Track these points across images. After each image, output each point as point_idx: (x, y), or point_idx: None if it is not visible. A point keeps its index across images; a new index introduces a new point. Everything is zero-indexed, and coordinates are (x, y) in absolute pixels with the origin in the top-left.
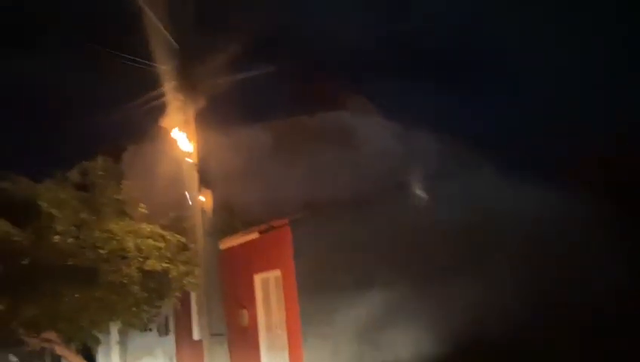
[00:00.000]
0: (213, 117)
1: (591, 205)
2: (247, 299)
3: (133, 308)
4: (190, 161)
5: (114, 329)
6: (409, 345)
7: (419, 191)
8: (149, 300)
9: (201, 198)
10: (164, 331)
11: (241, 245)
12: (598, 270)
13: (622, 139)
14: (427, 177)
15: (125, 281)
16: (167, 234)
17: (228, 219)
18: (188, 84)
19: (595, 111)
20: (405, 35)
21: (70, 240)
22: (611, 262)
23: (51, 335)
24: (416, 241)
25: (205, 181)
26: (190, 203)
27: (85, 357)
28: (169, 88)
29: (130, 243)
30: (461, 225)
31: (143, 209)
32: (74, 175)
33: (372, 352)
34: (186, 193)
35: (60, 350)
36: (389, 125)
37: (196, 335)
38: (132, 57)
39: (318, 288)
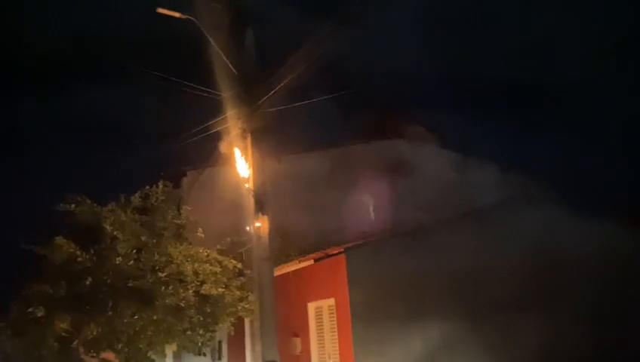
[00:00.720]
0: (270, 144)
1: None
2: (300, 327)
3: (189, 332)
4: (247, 186)
5: (169, 352)
6: None
7: (478, 224)
8: (204, 324)
9: (257, 224)
10: (217, 356)
11: (296, 272)
12: None
13: None
14: (486, 210)
15: (182, 304)
16: (224, 259)
17: (282, 245)
18: (247, 111)
19: None
20: (467, 67)
21: (131, 262)
22: None
23: (110, 355)
24: (473, 274)
25: (261, 207)
26: (247, 229)
27: None
28: (229, 115)
29: (188, 268)
30: (521, 260)
31: (200, 234)
32: (136, 199)
33: None
34: (243, 219)
35: None
36: (448, 155)
37: None
38: (194, 85)
39: (373, 318)
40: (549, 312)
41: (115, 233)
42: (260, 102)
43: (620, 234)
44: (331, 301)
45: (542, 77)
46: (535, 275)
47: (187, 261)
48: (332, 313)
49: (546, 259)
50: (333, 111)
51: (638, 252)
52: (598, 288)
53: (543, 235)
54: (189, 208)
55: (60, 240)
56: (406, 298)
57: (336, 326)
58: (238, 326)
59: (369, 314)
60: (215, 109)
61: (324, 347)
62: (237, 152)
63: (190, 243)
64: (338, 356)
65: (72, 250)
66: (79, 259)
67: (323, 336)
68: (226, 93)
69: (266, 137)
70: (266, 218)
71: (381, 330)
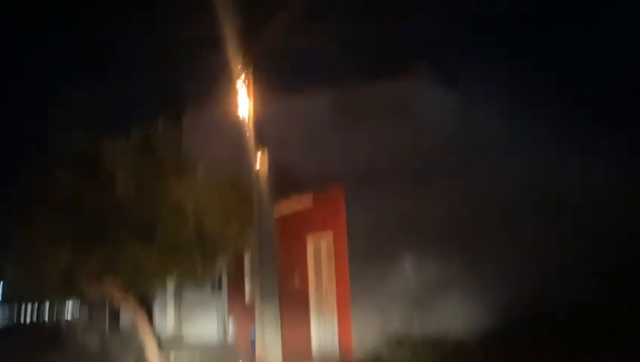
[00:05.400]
0: (272, 80)
1: None
2: (298, 263)
3: (189, 264)
4: (247, 122)
5: (170, 284)
6: (460, 315)
7: (478, 165)
8: (204, 257)
9: (258, 160)
10: (217, 289)
11: (295, 208)
12: None
13: None
14: (488, 151)
15: (183, 238)
16: (224, 195)
17: (283, 182)
18: (249, 46)
19: None
20: (472, 5)
21: (131, 197)
22: None
23: (111, 286)
24: (472, 214)
25: (262, 143)
26: (247, 165)
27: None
28: (230, 50)
29: (187, 202)
30: (520, 201)
31: (201, 170)
32: (136, 133)
33: (421, 321)
34: (243, 155)
35: (119, 300)
36: (452, 95)
37: (248, 295)
38: (195, 21)
39: (370, 254)
40: (548, 252)
41: (115, 167)
42: (261, 38)
43: (614, 168)
44: (330, 237)
45: (552, 16)
46: (534, 214)
47: (187, 195)
48: (330, 249)
49: (543, 199)
50: (337, 46)
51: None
52: (599, 227)
53: (542, 176)
54: (189, 144)
55: (60, 172)
56: (403, 236)
57: (333, 261)
58: (238, 260)
59: (367, 250)
60: (216, 44)
61: (321, 282)
62: (238, 88)
63: (191, 178)
64: (335, 290)
65: (71, 183)
66: (79, 193)
67: (321, 271)
68: (228, 27)
69: (268, 73)
70: (266, 154)
71: (378, 266)
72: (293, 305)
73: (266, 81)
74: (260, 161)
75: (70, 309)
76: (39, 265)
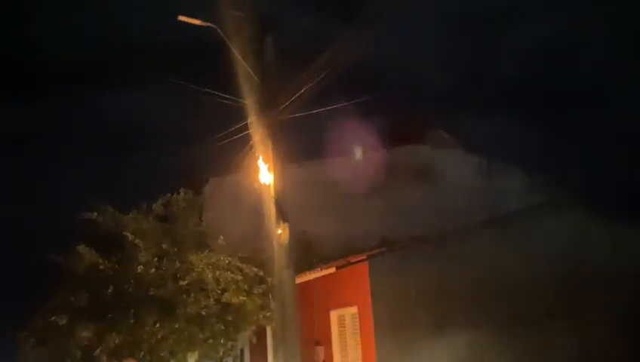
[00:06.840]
0: (292, 151)
1: None
2: (322, 335)
3: (210, 340)
4: (269, 193)
5: (191, 360)
6: None
7: (503, 231)
8: (225, 333)
9: (279, 231)
10: None
11: (318, 280)
12: None
13: None
14: (512, 216)
15: (204, 313)
16: (245, 267)
17: (305, 253)
18: (268, 118)
19: None
20: (490, 69)
21: (152, 270)
22: None
23: None
24: (498, 283)
25: (283, 214)
26: (268, 236)
27: None
28: (250, 122)
29: (209, 276)
30: (548, 268)
31: (222, 241)
32: (157, 207)
33: None
34: (264, 226)
35: None
36: (472, 160)
37: None
38: (215, 92)
39: (396, 326)
40: (577, 322)
41: (136, 241)
42: (281, 109)
43: None
44: (354, 309)
45: (569, 79)
46: (562, 284)
47: (208, 269)
48: (355, 321)
49: (573, 266)
50: (355, 116)
51: None
52: (626, 298)
53: (570, 242)
54: (210, 215)
55: (82, 248)
56: (430, 306)
57: (359, 334)
58: (261, 333)
59: (392, 322)
60: (237, 116)
61: (347, 356)
62: (259, 159)
63: (211, 251)
64: None
65: (93, 258)
66: (101, 268)
67: (346, 345)
68: (248, 99)
69: (288, 143)
70: (287, 225)
71: (405, 339)
72: None
73: (288, 151)
74: (281, 233)
75: None
76: (60, 343)
